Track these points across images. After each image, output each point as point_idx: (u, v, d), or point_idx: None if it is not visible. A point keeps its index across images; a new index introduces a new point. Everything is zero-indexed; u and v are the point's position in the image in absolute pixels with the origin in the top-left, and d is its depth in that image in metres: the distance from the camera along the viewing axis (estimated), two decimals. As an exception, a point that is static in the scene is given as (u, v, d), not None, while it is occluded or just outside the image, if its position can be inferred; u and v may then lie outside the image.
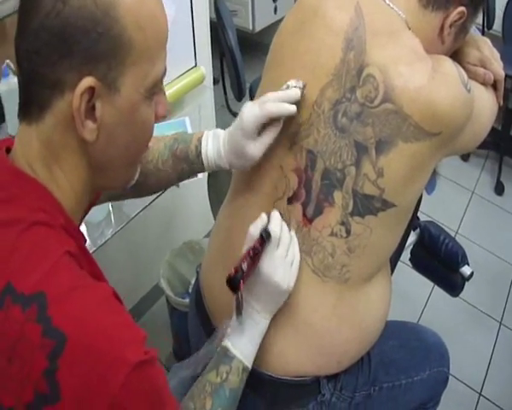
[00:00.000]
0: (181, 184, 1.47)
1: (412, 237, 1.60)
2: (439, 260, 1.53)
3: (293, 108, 0.89)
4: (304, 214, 0.93)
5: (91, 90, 0.61)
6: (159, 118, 0.73)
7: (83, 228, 1.44)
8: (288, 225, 0.94)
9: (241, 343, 0.90)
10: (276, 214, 0.91)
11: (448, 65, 0.89)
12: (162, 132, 1.69)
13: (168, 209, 2.10)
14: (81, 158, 0.67)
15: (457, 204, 2.76)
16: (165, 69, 0.70)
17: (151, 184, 1.02)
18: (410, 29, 0.92)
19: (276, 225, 0.90)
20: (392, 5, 0.91)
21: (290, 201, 0.94)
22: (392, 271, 1.26)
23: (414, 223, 1.57)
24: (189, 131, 1.69)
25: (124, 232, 1.52)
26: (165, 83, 1.86)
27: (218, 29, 2.08)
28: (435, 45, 0.95)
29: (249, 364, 0.91)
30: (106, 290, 0.64)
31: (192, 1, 1.68)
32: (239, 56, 2.06)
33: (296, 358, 0.98)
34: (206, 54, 1.92)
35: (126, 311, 0.65)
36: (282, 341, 0.97)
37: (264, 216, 0.90)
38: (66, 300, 0.59)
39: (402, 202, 0.91)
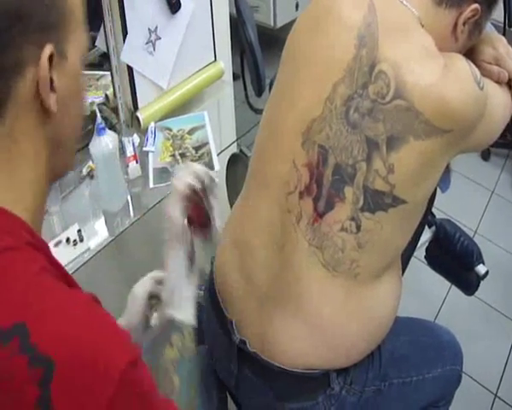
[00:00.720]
0: None
1: (428, 235, 1.60)
2: (454, 258, 1.54)
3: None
4: (315, 209, 0.94)
5: (51, 59, 0.61)
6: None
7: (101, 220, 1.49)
8: (300, 219, 0.95)
9: (182, 308, 0.85)
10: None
11: (460, 62, 0.89)
12: (180, 125, 1.73)
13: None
14: (40, 141, 0.65)
15: (477, 203, 2.73)
16: None
17: None
18: (423, 26, 0.92)
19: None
20: (405, 2, 0.92)
21: (302, 195, 0.95)
22: (404, 268, 1.26)
23: (429, 220, 1.57)
24: (208, 125, 1.70)
25: (142, 222, 1.52)
26: (184, 77, 1.87)
27: (238, 24, 2.09)
28: (448, 43, 0.95)
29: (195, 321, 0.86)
30: (82, 299, 0.61)
31: (212, -2, 1.69)
32: (259, 52, 2.06)
33: (305, 351, 0.99)
34: (225, 49, 1.93)
35: (106, 314, 0.63)
36: (291, 333, 0.98)
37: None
38: (46, 322, 0.56)
39: (413, 198, 0.92)
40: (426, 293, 2.22)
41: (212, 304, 1.15)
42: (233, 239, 1.10)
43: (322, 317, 0.97)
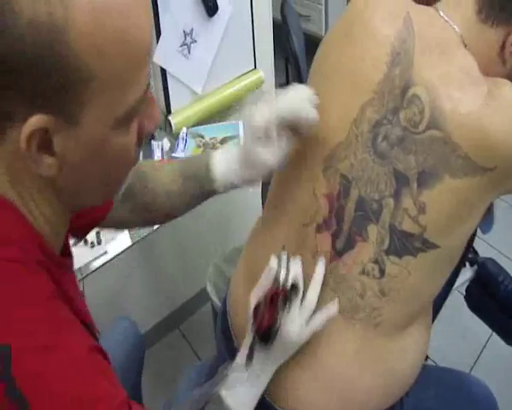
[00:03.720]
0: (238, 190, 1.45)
1: (468, 274, 1.47)
2: (496, 302, 1.40)
3: (313, 113, 0.80)
4: (333, 246, 0.84)
5: (42, 130, 0.52)
6: (147, 133, 0.62)
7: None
8: (315, 255, 0.85)
9: (238, 394, 0.82)
10: (316, 280, 0.84)
11: (507, 90, 0.77)
12: (213, 134, 1.68)
13: (222, 210, 2.05)
14: (47, 187, 0.59)
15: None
16: (147, 87, 0.58)
17: (162, 209, 0.93)
18: (465, 46, 0.81)
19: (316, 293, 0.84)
20: (446, 18, 0.81)
21: (319, 229, 0.86)
22: (435, 316, 1.14)
23: (471, 258, 1.44)
24: (242, 135, 1.64)
25: (163, 230, 1.48)
26: (220, 83, 1.82)
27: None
28: (495, 66, 0.84)
29: None
30: (80, 349, 0.57)
31: (252, 2, 1.61)
32: (303, 63, 1.99)
33: (314, 400, 0.89)
34: (267, 57, 1.85)
35: (103, 368, 0.59)
36: (300, 380, 0.89)
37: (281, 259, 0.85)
38: (32, 362, 0.53)
39: (446, 243, 0.80)
40: (468, 331, 2.07)
41: (222, 327, 1.07)
42: (246, 261, 1.03)
43: (334, 366, 0.87)
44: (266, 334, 0.81)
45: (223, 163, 0.88)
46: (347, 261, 0.83)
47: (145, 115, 0.60)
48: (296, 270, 0.85)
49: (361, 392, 0.88)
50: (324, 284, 0.85)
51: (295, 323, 0.81)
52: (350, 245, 0.83)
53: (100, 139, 0.55)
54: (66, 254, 0.71)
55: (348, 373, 0.86)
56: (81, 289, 1.22)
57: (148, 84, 0.57)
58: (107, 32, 0.50)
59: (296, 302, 0.82)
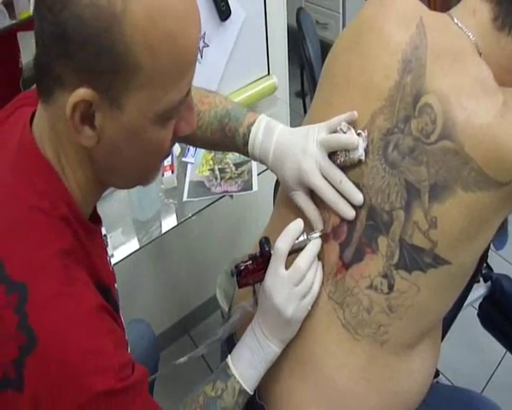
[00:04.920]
0: (247, 195, 1.44)
1: (482, 290, 1.43)
2: (510, 320, 1.36)
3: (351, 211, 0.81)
4: (340, 257, 0.82)
5: (87, 102, 0.57)
6: (181, 135, 0.67)
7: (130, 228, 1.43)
8: (322, 266, 0.83)
9: (242, 364, 0.83)
10: (289, 229, 0.81)
11: None
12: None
13: (233, 217, 2.03)
14: (84, 156, 0.64)
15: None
16: (188, 92, 0.63)
17: (196, 144, 1.02)
18: (480, 54, 0.78)
19: (284, 241, 0.80)
20: (460, 24, 0.78)
21: (327, 238, 0.83)
22: (445, 334, 1.10)
23: (485, 274, 1.40)
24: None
25: (171, 236, 1.46)
26: (233, 88, 1.81)
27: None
28: (511, 76, 0.80)
29: (248, 388, 0.83)
30: (91, 303, 0.61)
31: (266, 7, 1.59)
32: (318, 71, 1.96)
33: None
34: (281, 63, 1.83)
35: (111, 328, 0.63)
36: (301, 394, 0.86)
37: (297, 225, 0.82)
38: (46, 306, 0.58)
39: (458, 260, 0.77)
40: (483, 347, 2.00)
41: (227, 343, 1.04)
42: None
43: (337, 382, 0.83)
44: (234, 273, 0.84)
45: (261, 147, 0.88)
46: (355, 274, 0.80)
47: (183, 118, 0.65)
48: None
49: None
50: (329, 297, 0.82)
51: (276, 284, 0.79)
52: (359, 257, 0.80)
53: (137, 127, 0.60)
54: (95, 220, 0.75)
55: (353, 390, 0.83)
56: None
57: (189, 90, 0.63)
58: (160, 32, 0.55)
59: (273, 263, 0.81)
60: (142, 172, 0.71)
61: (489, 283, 1.41)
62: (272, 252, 0.81)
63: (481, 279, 1.43)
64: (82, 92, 0.56)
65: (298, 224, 0.82)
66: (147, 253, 1.76)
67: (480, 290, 1.42)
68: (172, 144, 0.68)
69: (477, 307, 1.44)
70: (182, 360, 0.92)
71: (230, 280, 1.87)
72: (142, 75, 0.56)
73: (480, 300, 1.45)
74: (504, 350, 2.02)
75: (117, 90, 0.57)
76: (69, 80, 0.56)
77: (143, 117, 0.59)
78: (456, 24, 0.79)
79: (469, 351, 1.99)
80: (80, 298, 0.60)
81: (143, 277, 1.87)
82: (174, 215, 1.45)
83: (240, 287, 0.86)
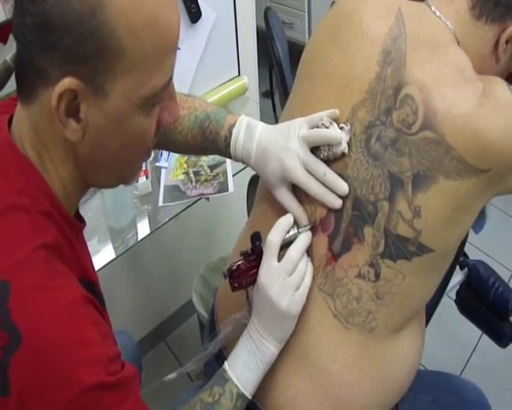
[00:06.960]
0: (221, 197, 1.43)
1: (459, 277, 1.46)
2: (487, 305, 1.39)
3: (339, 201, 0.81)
4: (329, 248, 0.82)
5: (73, 92, 0.57)
6: (164, 124, 0.69)
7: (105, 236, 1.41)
8: (311, 258, 0.83)
9: (239, 367, 0.82)
10: (280, 222, 0.82)
11: (501, 89, 0.76)
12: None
13: (208, 219, 2.03)
14: (68, 152, 0.64)
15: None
16: (170, 78, 0.65)
17: (179, 150, 1.01)
18: (459, 43, 0.80)
19: (276, 234, 0.80)
20: (438, 14, 0.79)
21: (316, 231, 0.84)
22: (429, 318, 1.12)
23: (462, 261, 1.43)
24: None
25: (148, 242, 1.45)
26: (204, 90, 1.80)
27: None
28: (488, 64, 0.83)
29: (247, 391, 0.82)
30: (74, 295, 0.61)
31: (236, 9, 1.59)
32: (287, 70, 1.97)
33: (310, 407, 0.87)
34: (251, 64, 1.84)
35: (97, 320, 0.63)
36: (295, 386, 0.86)
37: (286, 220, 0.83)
38: (29, 299, 0.57)
39: (441, 247, 0.79)
40: (457, 336, 2.07)
41: (210, 334, 1.04)
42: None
43: (331, 372, 0.84)
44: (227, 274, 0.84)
45: (243, 149, 0.89)
46: (343, 265, 0.81)
47: (166, 108, 0.67)
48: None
49: (359, 399, 0.86)
50: (319, 289, 0.83)
51: (270, 276, 0.80)
52: (347, 247, 0.81)
53: (122, 115, 0.61)
54: (78, 218, 0.75)
55: (347, 378, 0.84)
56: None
57: (171, 77, 0.64)
58: (141, 15, 0.56)
59: (266, 256, 0.81)
60: (126, 168, 0.71)
61: (466, 269, 1.43)
62: (264, 247, 0.81)
63: (457, 267, 1.46)
64: (67, 82, 0.56)
65: (288, 218, 0.82)
66: (122, 260, 1.74)
67: (457, 278, 1.45)
68: (155, 138, 0.69)
69: (452, 297, 1.47)
70: (171, 376, 0.91)
71: (206, 283, 1.86)
72: (125, 60, 0.57)
73: (457, 287, 1.48)
74: (478, 338, 2.08)
75: (101, 77, 0.57)
76: (53, 73, 0.57)
77: (128, 103, 0.60)
78: (434, 12, 0.80)
79: (445, 339, 2.04)
80: (63, 291, 0.60)
81: (118, 285, 1.84)
82: (149, 221, 1.44)
83: (233, 290, 0.85)
